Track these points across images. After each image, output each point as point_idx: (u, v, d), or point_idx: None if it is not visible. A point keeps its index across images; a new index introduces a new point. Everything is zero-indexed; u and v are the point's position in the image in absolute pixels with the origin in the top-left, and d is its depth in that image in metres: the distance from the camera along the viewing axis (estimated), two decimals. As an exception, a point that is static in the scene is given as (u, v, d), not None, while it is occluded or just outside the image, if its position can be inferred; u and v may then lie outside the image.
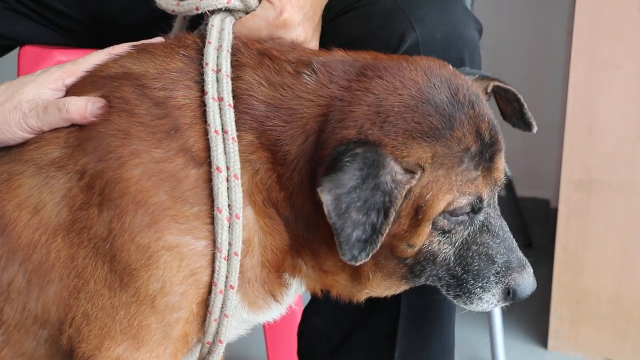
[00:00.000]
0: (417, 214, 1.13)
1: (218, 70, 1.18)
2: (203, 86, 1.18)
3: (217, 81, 1.18)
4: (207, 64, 1.18)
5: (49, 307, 1.20)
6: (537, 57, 2.66)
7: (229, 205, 1.16)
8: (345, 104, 1.14)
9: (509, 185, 2.40)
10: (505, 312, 2.07)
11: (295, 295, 1.29)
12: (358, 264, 1.10)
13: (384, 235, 1.09)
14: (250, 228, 1.19)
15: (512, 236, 1.19)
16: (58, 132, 1.21)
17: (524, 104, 1.26)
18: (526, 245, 2.55)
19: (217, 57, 1.20)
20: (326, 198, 1.07)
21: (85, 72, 1.26)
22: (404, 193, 1.10)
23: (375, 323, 1.53)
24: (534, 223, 2.58)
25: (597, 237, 1.97)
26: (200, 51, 1.22)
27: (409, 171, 1.10)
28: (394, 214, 1.09)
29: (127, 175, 1.15)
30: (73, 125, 1.20)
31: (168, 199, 1.15)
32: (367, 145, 1.10)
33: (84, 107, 1.19)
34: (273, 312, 1.29)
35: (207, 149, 1.16)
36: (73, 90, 1.24)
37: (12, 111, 1.23)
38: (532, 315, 2.20)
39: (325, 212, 1.08)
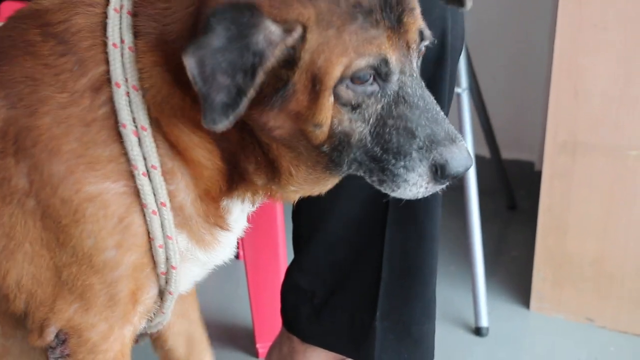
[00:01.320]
0: (315, 85, 1.05)
1: None
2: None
3: None
4: None
5: None
6: (522, 19, 2.64)
7: (133, 119, 1.12)
8: None
9: (493, 146, 2.40)
10: (488, 273, 2.08)
11: (243, 213, 1.25)
12: (219, 128, 1.02)
13: (248, 97, 1.01)
14: (168, 158, 1.16)
15: (439, 109, 1.09)
16: None
17: None
18: (510, 207, 2.56)
19: None
20: (189, 61, 1.00)
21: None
22: (279, 55, 1.02)
23: (357, 283, 1.54)
24: (518, 185, 2.59)
25: (581, 199, 1.97)
26: None
27: (288, 30, 1.02)
28: (262, 75, 1.01)
29: (38, 123, 1.13)
30: None
31: (79, 146, 1.13)
32: (239, 6, 1.02)
33: None
34: (226, 241, 1.24)
35: (108, 70, 1.13)
36: None
37: None
38: (515, 277, 2.20)
39: (190, 78, 1.00)
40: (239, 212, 1.23)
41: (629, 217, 1.95)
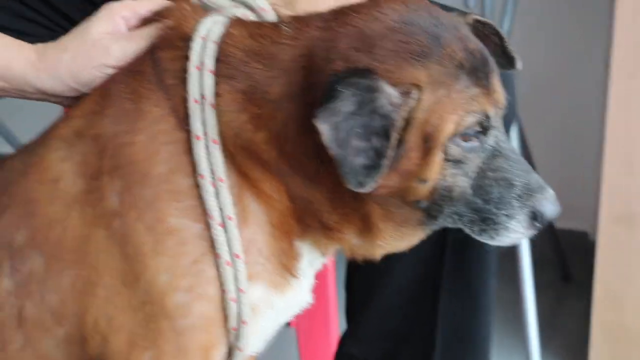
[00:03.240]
0: (426, 142, 1.09)
1: (205, 37, 1.18)
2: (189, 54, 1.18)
3: (204, 47, 1.17)
4: (197, 31, 1.18)
5: (66, 299, 1.18)
6: (574, 89, 2.66)
7: (211, 171, 1.15)
8: (327, 41, 1.12)
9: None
10: (543, 346, 2.07)
11: (311, 268, 1.25)
12: (365, 190, 1.06)
13: (388, 159, 1.04)
14: (244, 197, 1.17)
15: (526, 161, 1.15)
16: (84, 109, 1.22)
17: (505, 37, 1.22)
18: (564, 278, 2.55)
19: (209, 27, 1.19)
20: (323, 127, 1.04)
21: (139, 9, 1.26)
22: (404, 115, 1.06)
23: (410, 353, 1.53)
24: (572, 256, 2.58)
25: (637, 271, 1.96)
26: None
27: (405, 93, 1.07)
28: (396, 136, 1.05)
29: (136, 139, 1.16)
30: (97, 97, 1.21)
31: (167, 169, 1.16)
32: (358, 72, 1.07)
33: (168, 33, 1.21)
34: (296, 292, 1.24)
35: (186, 114, 1.16)
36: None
37: (91, 49, 1.24)
38: (570, 351, 2.19)
39: (325, 143, 1.04)
40: (308, 262, 1.23)
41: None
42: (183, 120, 1.16)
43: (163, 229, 1.14)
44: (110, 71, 1.23)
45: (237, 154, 1.16)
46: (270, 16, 1.24)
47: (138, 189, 1.14)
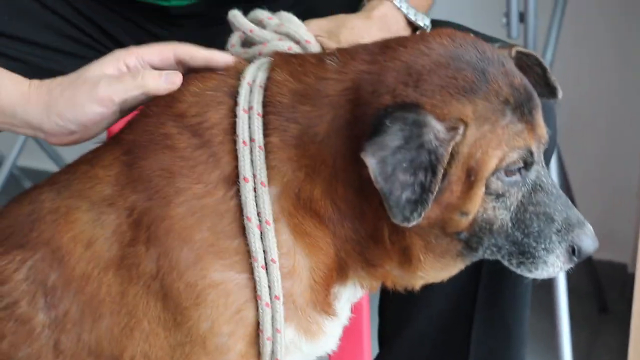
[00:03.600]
0: (469, 176, 1.10)
1: (252, 82, 1.19)
2: (237, 99, 1.19)
3: (251, 92, 1.19)
4: (244, 77, 1.19)
5: (102, 341, 1.20)
6: (614, 120, 2.64)
7: (258, 213, 1.15)
8: (374, 75, 1.13)
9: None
10: None
11: (349, 301, 1.27)
12: (411, 225, 1.07)
13: (434, 194, 1.06)
14: (290, 251, 1.18)
15: (565, 195, 1.16)
16: (110, 170, 1.22)
17: (547, 67, 1.23)
18: (602, 310, 2.52)
19: (255, 72, 1.21)
20: (371, 162, 1.05)
21: (145, 58, 1.27)
22: (450, 151, 1.07)
23: None
24: (610, 288, 2.55)
25: None
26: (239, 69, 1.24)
27: (452, 128, 1.08)
28: (442, 171, 1.06)
29: (171, 214, 1.16)
30: (123, 165, 1.21)
31: (210, 235, 1.16)
32: (405, 106, 1.08)
33: (159, 77, 1.22)
34: (332, 330, 1.26)
35: (232, 173, 1.17)
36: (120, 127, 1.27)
37: (80, 85, 1.24)
38: None
39: (372, 176, 1.05)
40: (347, 299, 1.25)
41: None
42: (226, 179, 1.17)
43: (205, 284, 1.15)
44: (96, 109, 1.23)
45: (293, 209, 1.17)
46: (315, 48, 1.27)
47: (177, 254, 1.16)
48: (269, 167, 1.16)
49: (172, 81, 1.22)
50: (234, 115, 1.18)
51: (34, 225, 1.23)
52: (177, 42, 1.29)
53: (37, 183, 1.32)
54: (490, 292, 1.45)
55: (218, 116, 1.19)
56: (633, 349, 1.98)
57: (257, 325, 1.17)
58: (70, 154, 1.32)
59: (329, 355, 1.78)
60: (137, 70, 1.24)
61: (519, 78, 1.14)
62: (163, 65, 1.25)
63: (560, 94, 1.24)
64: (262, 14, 1.30)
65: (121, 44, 1.64)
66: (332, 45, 1.28)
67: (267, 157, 1.16)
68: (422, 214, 1.06)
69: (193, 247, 1.16)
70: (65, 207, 1.22)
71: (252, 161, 1.15)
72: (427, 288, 1.24)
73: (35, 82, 1.28)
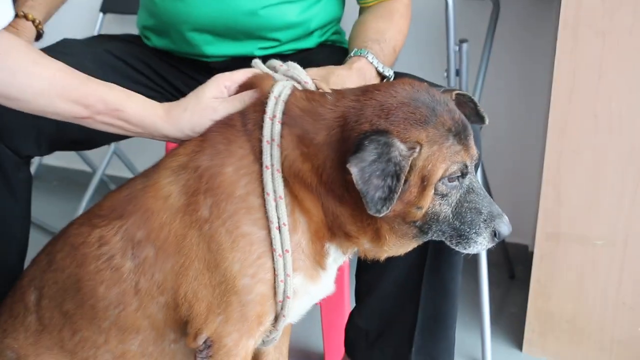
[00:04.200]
0: (423, 182, 1.11)
1: (278, 97, 1.20)
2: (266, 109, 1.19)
3: (276, 104, 1.19)
4: (272, 92, 1.21)
5: (166, 278, 1.19)
6: (520, 140, 2.62)
7: (274, 191, 1.16)
8: (357, 109, 1.13)
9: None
10: (492, 324, 2.08)
11: (335, 261, 1.25)
12: (381, 215, 1.07)
13: (397, 193, 1.06)
14: (294, 212, 1.18)
15: (489, 195, 1.17)
16: (187, 149, 1.23)
17: (477, 102, 1.23)
18: (510, 277, 2.52)
19: (281, 90, 1.21)
20: (354, 170, 1.05)
21: (236, 79, 1.28)
22: (409, 163, 1.07)
23: (400, 326, 1.55)
24: (516, 261, 2.56)
25: (561, 273, 1.97)
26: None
27: (411, 148, 1.08)
28: (403, 178, 1.06)
29: (224, 170, 1.17)
30: (198, 141, 1.23)
31: (245, 193, 1.16)
32: (379, 132, 1.08)
33: (255, 96, 1.23)
34: (325, 281, 1.26)
35: (261, 152, 1.17)
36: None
37: (203, 110, 1.25)
38: (512, 328, 2.19)
39: (354, 181, 1.06)
40: (333, 259, 1.25)
41: (595, 287, 1.95)
42: (258, 156, 1.18)
43: (238, 233, 1.16)
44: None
45: (291, 179, 1.17)
46: (311, 87, 1.27)
47: (223, 205, 1.16)
48: (282, 158, 1.16)
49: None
50: (262, 119, 1.19)
51: (130, 201, 1.24)
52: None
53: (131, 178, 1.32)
54: (434, 262, 1.46)
55: (255, 115, 1.21)
56: (531, 304, 2.03)
57: (273, 271, 1.17)
58: (143, 165, 1.34)
59: (321, 305, 1.84)
60: (239, 94, 1.25)
61: (458, 114, 1.15)
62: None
63: (487, 120, 1.25)
64: (275, 62, 1.32)
65: (177, 89, 1.70)
66: (323, 86, 1.29)
67: (281, 152, 1.16)
68: (390, 208, 1.07)
69: (233, 201, 1.16)
70: (153, 180, 1.23)
71: (271, 155, 1.16)
72: (390, 259, 1.25)
73: (165, 105, 1.29)
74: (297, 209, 1.18)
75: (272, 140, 1.17)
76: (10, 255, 1.58)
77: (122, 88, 1.30)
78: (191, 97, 1.29)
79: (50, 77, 1.24)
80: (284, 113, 1.18)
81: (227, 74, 1.29)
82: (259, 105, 1.22)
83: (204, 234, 1.16)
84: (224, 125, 1.23)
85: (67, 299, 1.30)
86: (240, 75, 1.30)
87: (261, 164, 1.17)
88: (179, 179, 1.20)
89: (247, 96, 1.25)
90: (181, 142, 1.29)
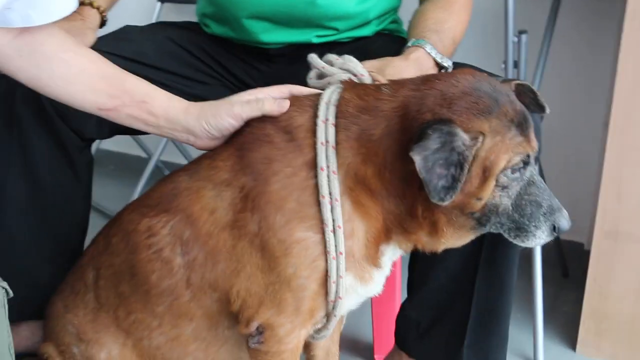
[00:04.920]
0: (485, 173, 1.10)
1: (328, 102, 1.20)
2: (316, 111, 1.20)
3: (327, 108, 1.19)
4: (322, 97, 1.21)
5: (218, 279, 1.23)
6: (580, 132, 2.59)
7: (330, 193, 1.16)
8: (418, 99, 1.13)
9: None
10: (546, 322, 2.05)
11: (390, 258, 1.26)
12: (445, 204, 1.07)
13: (461, 182, 1.06)
14: (351, 217, 1.18)
15: (548, 188, 1.16)
16: (227, 162, 1.23)
17: (537, 92, 1.22)
18: (564, 275, 2.50)
19: (330, 94, 1.22)
20: (417, 158, 1.05)
21: (269, 94, 1.28)
22: (473, 154, 1.07)
23: (452, 319, 1.54)
24: (571, 260, 2.53)
25: (619, 273, 1.94)
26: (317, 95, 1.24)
27: (474, 138, 1.08)
28: (467, 167, 1.06)
29: (269, 189, 1.18)
30: (236, 157, 1.23)
31: (296, 205, 1.17)
32: (442, 121, 1.08)
33: (274, 103, 1.23)
34: (378, 279, 1.26)
35: (313, 161, 1.17)
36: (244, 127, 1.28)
37: (222, 104, 1.28)
38: (566, 327, 2.17)
39: (417, 169, 1.05)
40: (389, 257, 1.26)
41: (656, 289, 1.92)
42: (308, 166, 1.17)
43: (292, 240, 1.17)
44: (231, 122, 1.26)
45: (352, 184, 1.17)
46: (367, 80, 1.28)
47: (272, 218, 1.17)
48: (337, 157, 1.16)
49: (282, 105, 1.24)
50: (314, 122, 1.19)
51: (175, 197, 1.26)
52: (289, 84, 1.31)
53: (174, 170, 1.35)
54: (490, 255, 1.44)
55: (302, 120, 1.21)
56: (586, 303, 2.00)
57: (326, 272, 1.19)
58: (197, 152, 1.34)
59: (372, 297, 1.84)
60: (261, 99, 1.26)
61: (520, 105, 1.14)
62: (280, 97, 1.28)
63: (547, 110, 1.23)
64: (331, 56, 1.32)
65: (234, 76, 1.72)
66: (380, 78, 1.28)
67: (336, 150, 1.16)
68: (453, 197, 1.06)
69: (284, 213, 1.17)
70: (196, 187, 1.25)
71: (327, 157, 1.17)
72: (446, 251, 1.25)
73: (191, 102, 1.31)
74: (358, 215, 1.19)
75: (327, 142, 1.16)
76: (73, 233, 1.64)
77: (148, 82, 1.33)
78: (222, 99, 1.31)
79: (81, 65, 1.27)
80: (337, 117, 1.18)
81: (264, 88, 1.32)
82: (304, 117, 1.22)
83: (255, 245, 1.19)
84: (260, 142, 1.24)
85: (122, 282, 1.34)
86: (275, 90, 1.31)
87: (312, 176, 1.17)
88: (224, 196, 1.22)
89: (268, 102, 1.25)
90: (200, 143, 1.31)
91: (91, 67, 1.27)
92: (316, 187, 1.17)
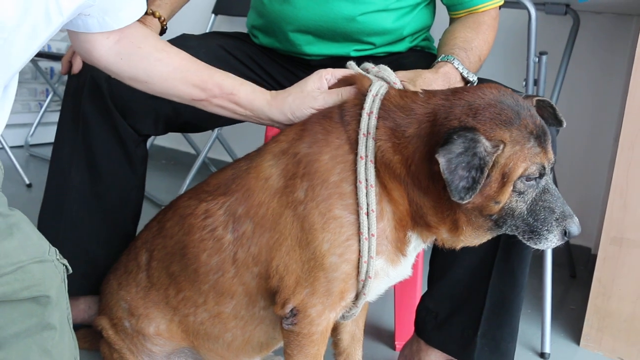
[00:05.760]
0: (503, 178, 1.09)
1: (375, 95, 1.20)
2: (362, 102, 1.19)
3: (373, 101, 1.19)
4: (370, 91, 1.21)
5: (261, 251, 1.20)
6: (589, 145, 2.56)
7: (366, 179, 1.15)
8: (447, 107, 1.13)
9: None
10: (554, 318, 2.04)
11: (415, 248, 1.24)
12: (464, 202, 1.07)
13: (481, 184, 1.05)
14: (382, 201, 1.17)
15: (561, 196, 1.15)
16: (289, 136, 1.23)
17: (556, 107, 1.21)
18: (572, 276, 2.48)
19: (378, 88, 1.22)
20: (441, 160, 1.05)
21: (336, 74, 1.28)
22: (493, 159, 1.07)
23: (467, 310, 1.53)
24: (579, 262, 2.53)
25: (622, 276, 1.93)
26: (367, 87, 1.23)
27: (495, 146, 1.07)
28: (487, 171, 1.05)
29: (321, 158, 1.17)
30: (299, 130, 1.23)
31: (338, 179, 1.16)
32: (467, 129, 1.08)
33: (352, 92, 1.24)
34: (404, 266, 1.25)
35: (356, 142, 1.17)
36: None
37: (305, 97, 1.28)
38: (571, 323, 2.15)
39: (441, 170, 1.05)
40: (414, 246, 1.25)
41: (656, 292, 1.92)
42: (353, 146, 1.18)
43: (330, 215, 1.16)
44: (313, 111, 1.27)
45: (382, 170, 1.16)
46: (399, 88, 1.26)
47: (318, 189, 1.16)
48: (376, 149, 1.16)
49: (356, 93, 1.23)
50: (359, 114, 1.19)
51: (234, 180, 1.26)
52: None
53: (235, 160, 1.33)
54: (505, 254, 1.44)
55: (353, 112, 1.21)
56: (591, 302, 1.99)
57: (358, 253, 1.17)
58: (241, 150, 1.34)
59: (395, 287, 1.83)
60: (338, 89, 1.26)
61: (539, 120, 1.14)
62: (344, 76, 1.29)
63: (564, 124, 1.22)
64: (368, 65, 1.32)
65: (277, 81, 1.73)
66: (411, 88, 1.28)
67: (375, 143, 1.16)
68: (472, 197, 1.06)
69: (328, 186, 1.15)
70: (256, 162, 1.25)
71: (366, 147, 1.16)
72: (464, 248, 1.24)
73: (272, 92, 1.32)
74: (385, 198, 1.18)
75: (368, 133, 1.17)
76: (127, 219, 1.67)
77: (235, 76, 1.35)
78: (296, 86, 1.31)
79: (174, 63, 1.29)
80: (380, 109, 1.18)
81: (329, 69, 1.31)
82: (357, 100, 1.24)
83: (298, 214, 1.17)
84: (323, 117, 1.24)
85: (174, 262, 1.35)
86: (341, 71, 1.32)
87: (355, 154, 1.17)
88: (279, 163, 1.21)
89: (345, 91, 1.26)
90: (284, 127, 1.32)
91: (183, 64, 1.30)
92: (354, 163, 1.17)
